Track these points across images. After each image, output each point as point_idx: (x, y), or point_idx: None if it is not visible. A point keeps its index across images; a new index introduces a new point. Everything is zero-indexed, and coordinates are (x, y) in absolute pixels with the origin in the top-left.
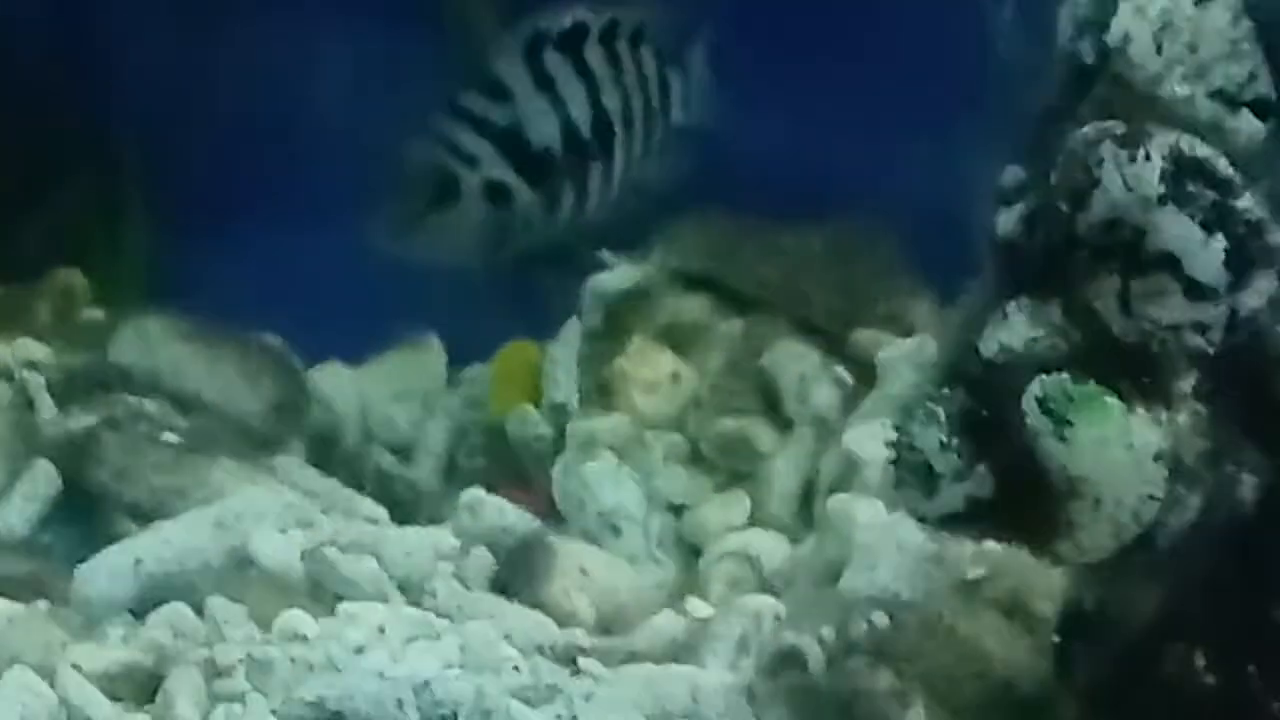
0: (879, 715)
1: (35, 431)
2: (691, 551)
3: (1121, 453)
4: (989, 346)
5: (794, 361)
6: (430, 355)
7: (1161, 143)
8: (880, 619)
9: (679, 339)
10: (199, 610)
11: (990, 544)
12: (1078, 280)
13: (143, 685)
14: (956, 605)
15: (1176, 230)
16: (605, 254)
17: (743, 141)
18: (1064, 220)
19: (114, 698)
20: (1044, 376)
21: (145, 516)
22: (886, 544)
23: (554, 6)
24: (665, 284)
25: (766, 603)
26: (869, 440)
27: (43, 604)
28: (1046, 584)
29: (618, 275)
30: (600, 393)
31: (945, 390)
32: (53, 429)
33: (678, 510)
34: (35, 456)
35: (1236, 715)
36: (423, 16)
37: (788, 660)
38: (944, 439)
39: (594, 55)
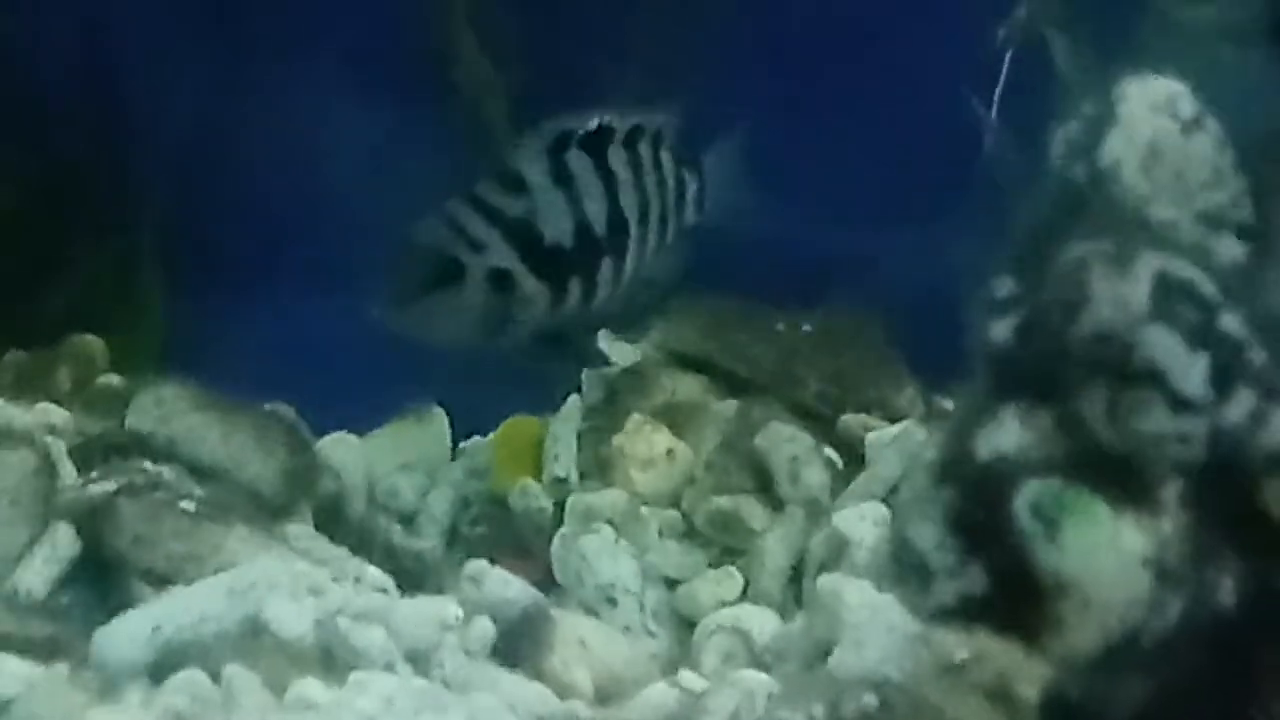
0: None
1: (55, 496)
2: (685, 625)
3: (1110, 557)
4: (983, 449)
5: (786, 443)
6: (435, 425)
7: (1149, 263)
8: (870, 700)
9: (675, 418)
10: (214, 676)
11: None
12: (1068, 390)
13: None
14: (943, 688)
15: (1162, 347)
16: (603, 335)
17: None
18: (1055, 333)
19: None
20: (1035, 482)
21: (161, 582)
22: (875, 624)
23: (578, 110)
24: (662, 364)
25: (759, 679)
26: (858, 521)
27: (62, 667)
28: (1031, 671)
29: (617, 354)
30: (599, 468)
31: (941, 490)
32: (73, 494)
33: (672, 584)
34: (55, 520)
35: None
36: (443, 102)
37: None
38: (939, 537)
39: (616, 157)
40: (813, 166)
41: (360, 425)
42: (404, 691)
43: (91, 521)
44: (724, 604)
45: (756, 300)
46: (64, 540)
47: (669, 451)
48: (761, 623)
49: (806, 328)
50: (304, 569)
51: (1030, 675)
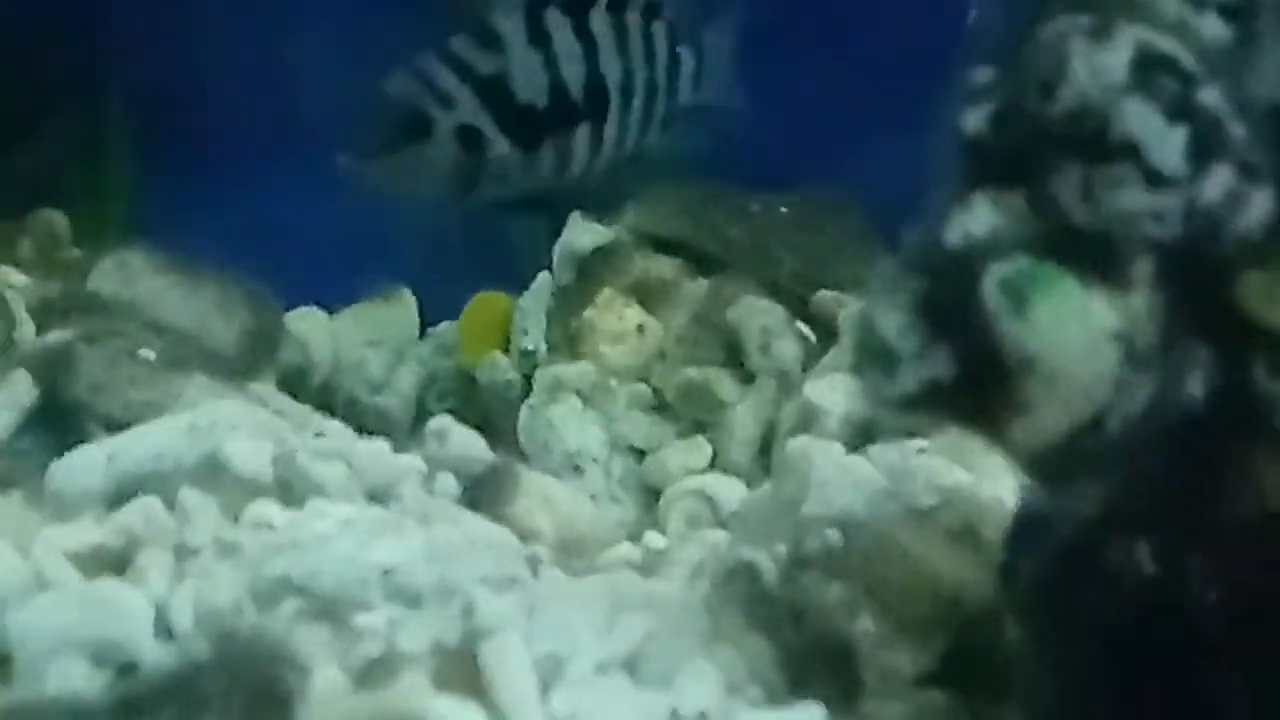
0: (829, 625)
1: (12, 345)
2: (651, 494)
3: (1077, 330)
4: (953, 236)
5: (758, 316)
6: (403, 306)
7: (1129, 35)
8: (833, 535)
9: (647, 295)
10: (171, 506)
11: (936, 462)
12: (1042, 171)
13: (112, 566)
14: (908, 529)
15: (1139, 119)
16: (575, 217)
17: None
18: (1031, 113)
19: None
20: (1005, 261)
21: (120, 428)
22: (842, 480)
23: None
24: (635, 244)
25: (723, 536)
26: (829, 391)
27: (16, 494)
28: (996, 512)
29: (588, 234)
30: (568, 342)
31: (908, 279)
32: (30, 343)
33: (639, 455)
34: (11, 369)
35: (1175, 604)
36: None
37: (741, 573)
38: (905, 322)
39: (599, 21)
40: (800, 49)
41: (327, 307)
42: (362, 516)
43: (49, 369)
44: (692, 473)
45: (732, 182)
46: (20, 387)
47: (639, 326)
48: (729, 490)
49: (782, 209)
50: (265, 415)
51: (995, 517)
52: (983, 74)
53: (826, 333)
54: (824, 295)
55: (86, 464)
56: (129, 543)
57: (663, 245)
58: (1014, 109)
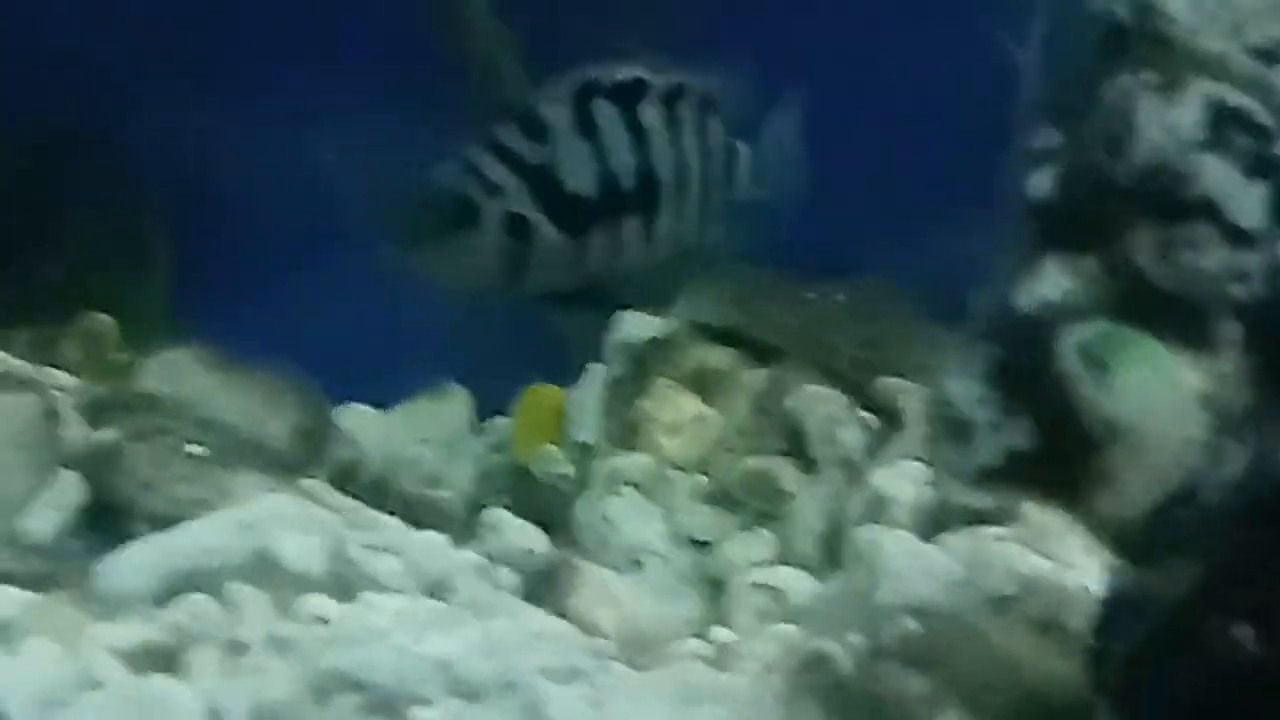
0: (909, 717)
1: (62, 443)
2: (715, 588)
3: (1163, 393)
4: (1025, 301)
5: (819, 404)
6: (456, 403)
7: (1199, 90)
8: (911, 625)
9: (703, 385)
10: (221, 603)
11: (1013, 550)
12: (1114, 231)
13: (162, 664)
14: (989, 618)
15: (1216, 175)
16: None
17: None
18: (1100, 171)
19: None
20: (1082, 325)
21: (169, 526)
22: (915, 569)
23: (611, 61)
24: (690, 335)
25: (793, 630)
26: (897, 479)
27: (63, 594)
28: (1080, 599)
29: (642, 324)
30: (624, 434)
31: (982, 346)
32: (79, 440)
33: (701, 547)
34: (61, 466)
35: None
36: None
37: (816, 664)
38: (980, 392)
39: (650, 113)
40: (855, 137)
41: (379, 404)
42: (417, 609)
43: (98, 467)
44: (756, 566)
45: (784, 269)
46: (70, 486)
47: (698, 416)
48: (796, 582)
49: (838, 297)
50: (316, 510)
51: (1079, 606)
52: (1046, 136)
53: (888, 419)
54: (884, 381)
55: (135, 561)
56: (179, 639)
57: (717, 335)
58: (1082, 169)
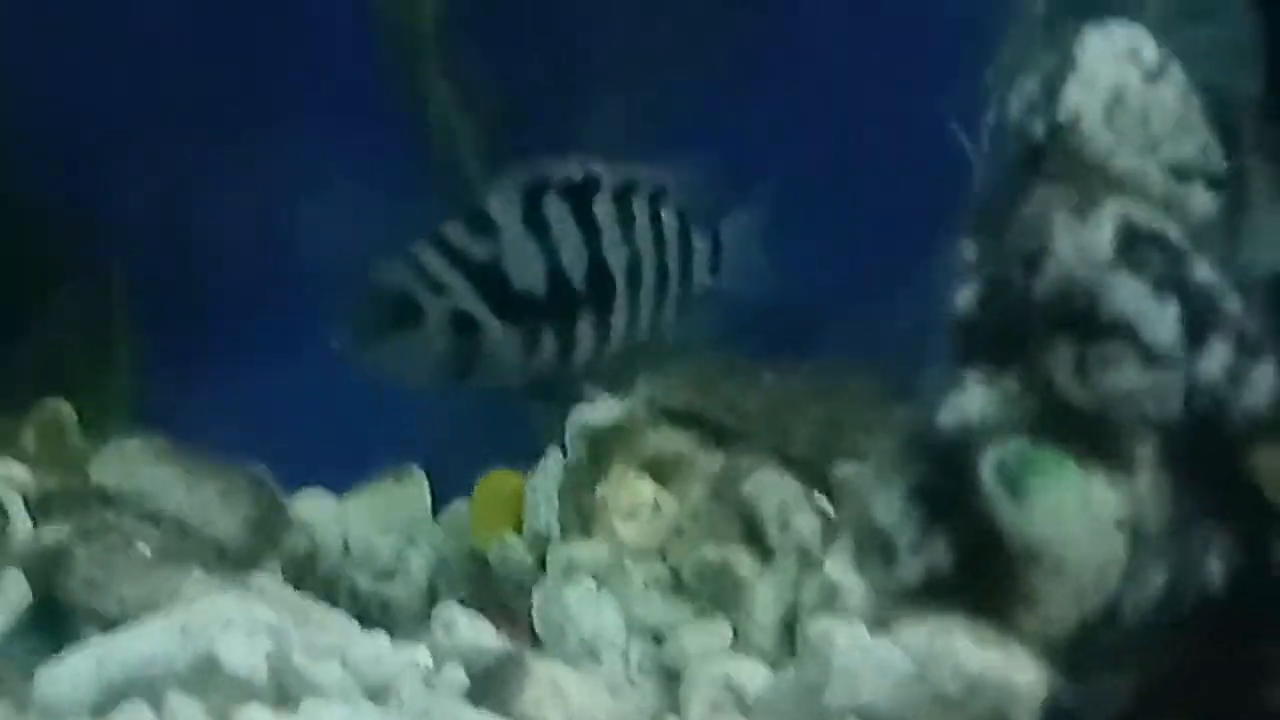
0: None
1: (9, 542)
2: (671, 678)
3: (1078, 515)
4: (946, 418)
5: (775, 490)
6: (414, 486)
7: (1113, 209)
8: None
9: (661, 470)
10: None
11: (962, 645)
12: (1034, 349)
13: None
14: (937, 717)
15: (1129, 295)
16: (589, 390)
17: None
18: (1018, 290)
19: None
20: (1000, 443)
21: (114, 626)
22: (867, 665)
23: (566, 158)
24: (648, 418)
25: None
26: (849, 567)
27: (5, 701)
28: (1027, 697)
29: (601, 410)
30: (581, 521)
31: (902, 464)
32: (24, 540)
33: (658, 637)
34: (5, 567)
35: None
36: (412, 154)
37: None
38: (902, 510)
39: (602, 208)
40: (807, 222)
41: (337, 488)
42: (358, 717)
43: (44, 567)
44: (712, 655)
45: (744, 354)
46: (13, 588)
47: (654, 502)
48: (751, 673)
49: (796, 378)
50: (263, 612)
51: (1026, 702)
52: (969, 249)
53: (846, 505)
54: (843, 466)
55: (74, 670)
56: None
57: (676, 418)
58: (1001, 286)
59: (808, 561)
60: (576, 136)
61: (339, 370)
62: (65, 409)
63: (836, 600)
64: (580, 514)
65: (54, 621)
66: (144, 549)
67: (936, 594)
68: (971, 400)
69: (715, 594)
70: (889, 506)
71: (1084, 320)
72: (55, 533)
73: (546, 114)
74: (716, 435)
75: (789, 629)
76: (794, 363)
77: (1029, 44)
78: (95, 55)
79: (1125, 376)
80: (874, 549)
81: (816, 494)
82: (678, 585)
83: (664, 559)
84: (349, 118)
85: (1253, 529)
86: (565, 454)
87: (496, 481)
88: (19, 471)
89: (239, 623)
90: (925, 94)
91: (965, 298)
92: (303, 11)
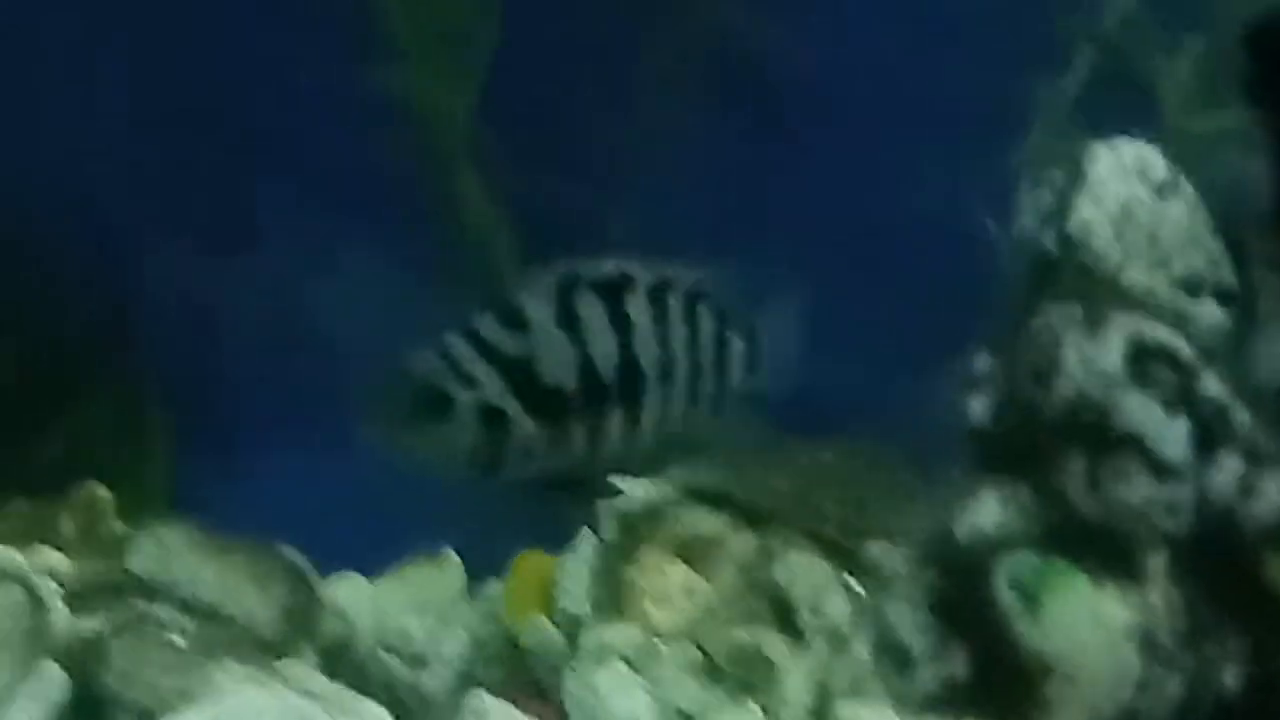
0: None
1: (46, 635)
2: None
3: (1091, 628)
4: (961, 529)
5: (806, 573)
6: (448, 568)
7: (1122, 325)
8: None
9: (692, 552)
10: None
11: None
12: (1046, 462)
13: None
14: None
15: (1139, 410)
16: (616, 484)
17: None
18: (1029, 404)
19: None
20: (1014, 557)
21: (150, 718)
22: None
23: (601, 256)
24: (679, 500)
25: None
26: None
27: None
28: None
29: (634, 490)
30: (613, 603)
31: (920, 573)
32: (61, 633)
33: None
34: (43, 659)
35: None
36: (446, 247)
37: None
38: (920, 620)
39: (636, 306)
40: (841, 308)
41: (371, 570)
42: None
43: (80, 660)
44: None
45: (776, 433)
46: (51, 679)
47: (686, 585)
48: None
49: (827, 457)
50: (296, 702)
51: None
52: (982, 361)
53: (878, 585)
54: (873, 548)
55: None
56: None
57: (707, 499)
58: (1014, 398)
59: (839, 644)
60: (609, 232)
61: (371, 453)
62: (103, 494)
63: (866, 685)
64: (612, 595)
65: (89, 714)
66: (178, 640)
67: (954, 703)
68: (986, 511)
69: (746, 677)
70: (906, 616)
71: (1095, 434)
72: (92, 623)
73: (580, 208)
74: (748, 516)
75: (819, 713)
76: (825, 441)
77: (1057, 135)
78: (127, 152)
79: (1136, 489)
80: (891, 657)
81: (847, 575)
82: (709, 668)
83: (695, 641)
84: (383, 209)
85: (1266, 638)
86: (597, 535)
87: (528, 563)
88: (56, 559)
89: (271, 714)
90: (955, 189)
91: (979, 409)
92: (337, 103)
